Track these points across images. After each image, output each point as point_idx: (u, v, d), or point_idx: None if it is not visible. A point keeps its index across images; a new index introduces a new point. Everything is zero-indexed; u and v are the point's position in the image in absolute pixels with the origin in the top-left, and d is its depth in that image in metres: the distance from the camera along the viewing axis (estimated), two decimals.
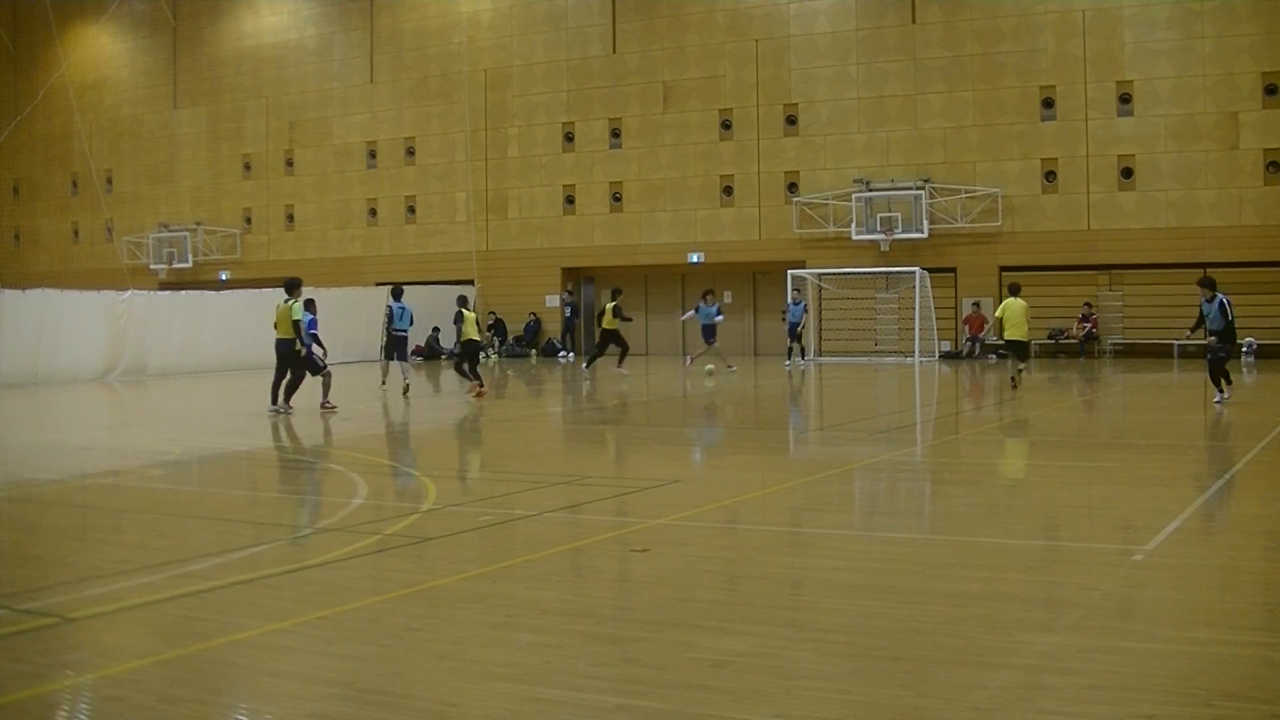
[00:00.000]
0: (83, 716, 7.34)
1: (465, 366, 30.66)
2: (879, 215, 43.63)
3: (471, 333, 30.97)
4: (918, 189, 43.34)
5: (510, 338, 49.61)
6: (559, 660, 8.08)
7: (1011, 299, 29.97)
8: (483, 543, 12.13)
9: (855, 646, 8.21)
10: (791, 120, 45.84)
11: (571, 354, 47.98)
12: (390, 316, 31.20)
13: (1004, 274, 43.07)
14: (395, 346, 31.27)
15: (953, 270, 43.96)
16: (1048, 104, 42.57)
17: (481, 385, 29.61)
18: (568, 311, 48.53)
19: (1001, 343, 30.96)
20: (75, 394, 34.51)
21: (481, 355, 36.66)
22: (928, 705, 6.97)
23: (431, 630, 8.82)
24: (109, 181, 60.85)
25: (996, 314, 30.59)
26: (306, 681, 7.73)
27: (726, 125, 46.80)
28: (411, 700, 7.24)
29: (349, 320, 46.51)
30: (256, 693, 7.64)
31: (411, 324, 31.17)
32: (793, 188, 45.69)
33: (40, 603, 9.70)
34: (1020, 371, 29.57)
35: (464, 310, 31.04)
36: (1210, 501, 13.66)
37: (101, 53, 61.07)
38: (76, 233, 62.64)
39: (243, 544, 12.22)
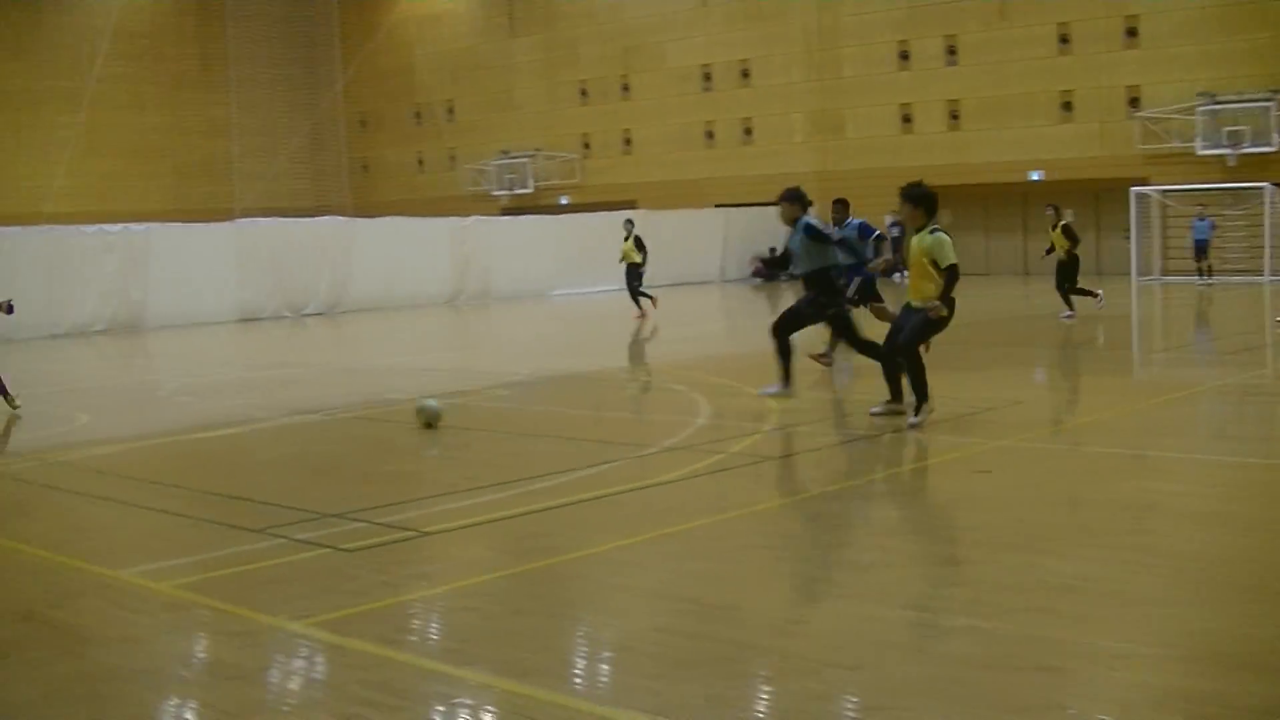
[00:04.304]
0: (438, 625, 7.61)
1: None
2: (1225, 129, 42.02)
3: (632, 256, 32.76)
4: (1266, 100, 41.57)
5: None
6: (901, 580, 8.07)
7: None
8: (823, 462, 12.16)
9: (1202, 574, 8.01)
10: (1132, 32, 44.35)
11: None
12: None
13: None
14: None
15: None
16: None
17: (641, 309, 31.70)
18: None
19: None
20: (424, 318, 35.58)
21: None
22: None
23: (773, 548, 8.89)
24: (450, 111, 62.19)
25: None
26: (651, 596, 7.87)
27: (1065, 39, 45.55)
28: (754, 616, 7.31)
29: (687, 242, 46.89)
30: (603, 606, 7.81)
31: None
32: (1134, 102, 44.27)
33: (397, 517, 10.07)
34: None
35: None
36: None
37: None
38: (421, 162, 64.21)
39: (588, 462, 12.45)
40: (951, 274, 13.35)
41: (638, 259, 32.54)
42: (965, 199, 46.79)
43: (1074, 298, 26.86)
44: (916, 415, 13.46)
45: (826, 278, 15.66)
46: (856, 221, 20.09)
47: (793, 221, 15.79)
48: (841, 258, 16.82)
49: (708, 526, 9.53)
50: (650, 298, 32.03)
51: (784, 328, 15.92)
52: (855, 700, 6.01)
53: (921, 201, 13.70)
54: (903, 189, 13.83)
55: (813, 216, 15.99)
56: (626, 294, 32.05)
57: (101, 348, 30.03)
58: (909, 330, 13.68)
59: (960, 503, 10.41)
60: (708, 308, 36.82)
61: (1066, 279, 26.95)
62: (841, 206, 20.61)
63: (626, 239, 32.91)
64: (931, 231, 13.56)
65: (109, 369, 25.91)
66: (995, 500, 10.25)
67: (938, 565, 8.51)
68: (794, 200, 15.97)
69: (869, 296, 19.94)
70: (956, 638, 6.78)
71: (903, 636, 6.90)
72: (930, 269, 13.46)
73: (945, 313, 13.41)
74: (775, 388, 15.84)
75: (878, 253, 20.17)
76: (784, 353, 15.90)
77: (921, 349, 13.93)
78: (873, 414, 14.44)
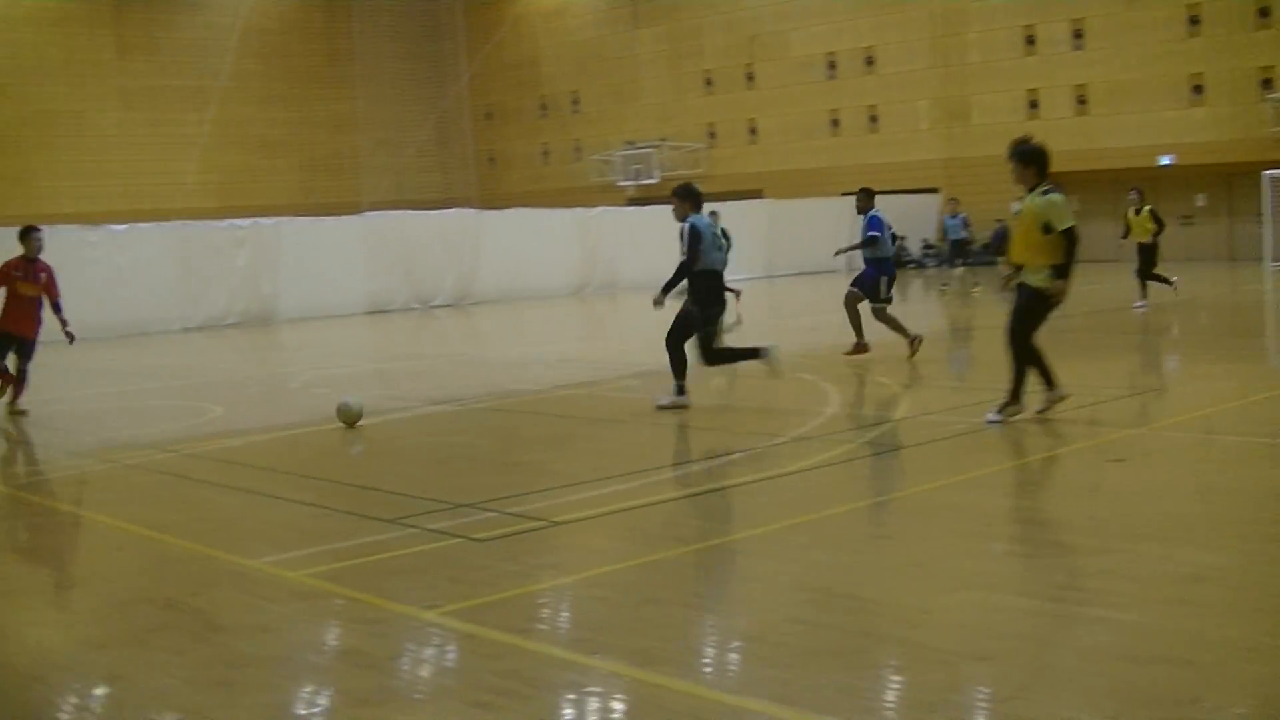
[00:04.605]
0: (568, 614, 7.65)
1: None
2: None
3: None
4: None
5: (977, 246, 48.82)
6: (1034, 571, 8.01)
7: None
8: (955, 452, 12.07)
9: None
10: (1264, 12, 43.53)
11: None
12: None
13: None
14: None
15: None
16: None
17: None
18: None
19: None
20: (551, 308, 35.74)
21: (950, 263, 36.31)
22: None
23: (904, 538, 8.85)
24: (575, 102, 62.45)
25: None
26: (782, 586, 7.86)
27: (1194, 21, 44.83)
28: (885, 606, 7.29)
29: (813, 231, 46.76)
30: (734, 596, 7.82)
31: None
32: (1267, 84, 43.47)
33: (527, 507, 10.13)
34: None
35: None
36: None
37: None
38: (546, 153, 64.53)
39: (717, 452, 12.46)
40: (1069, 240, 12.35)
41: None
42: (1093, 185, 46.24)
43: (1150, 284, 26.58)
44: (999, 412, 12.76)
45: (706, 282, 15.28)
46: (873, 214, 19.67)
47: (683, 219, 15.38)
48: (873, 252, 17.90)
49: (837, 516, 9.51)
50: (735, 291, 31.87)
51: (674, 338, 15.31)
52: (985, 692, 5.98)
53: (1032, 159, 12.72)
54: (1011, 146, 12.91)
55: (703, 217, 15.54)
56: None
57: (233, 340, 30.46)
58: (1016, 314, 12.84)
59: (1093, 492, 10.30)
60: (834, 297, 36.57)
61: (1149, 264, 26.68)
62: (865, 196, 20.18)
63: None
64: (1044, 193, 12.52)
65: (241, 361, 26.26)
66: (1128, 489, 10.13)
67: (1070, 555, 8.42)
68: (684, 197, 15.56)
69: (872, 293, 19.51)
70: (1089, 628, 6.71)
71: (1034, 627, 6.84)
72: (1041, 236, 12.44)
73: (1064, 293, 12.48)
74: (668, 399, 15.25)
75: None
76: (677, 363, 15.26)
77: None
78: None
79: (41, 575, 9.46)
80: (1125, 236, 27.67)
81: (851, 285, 19.77)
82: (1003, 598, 7.33)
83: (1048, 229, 12.33)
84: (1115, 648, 6.35)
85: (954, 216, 36.00)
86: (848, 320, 19.55)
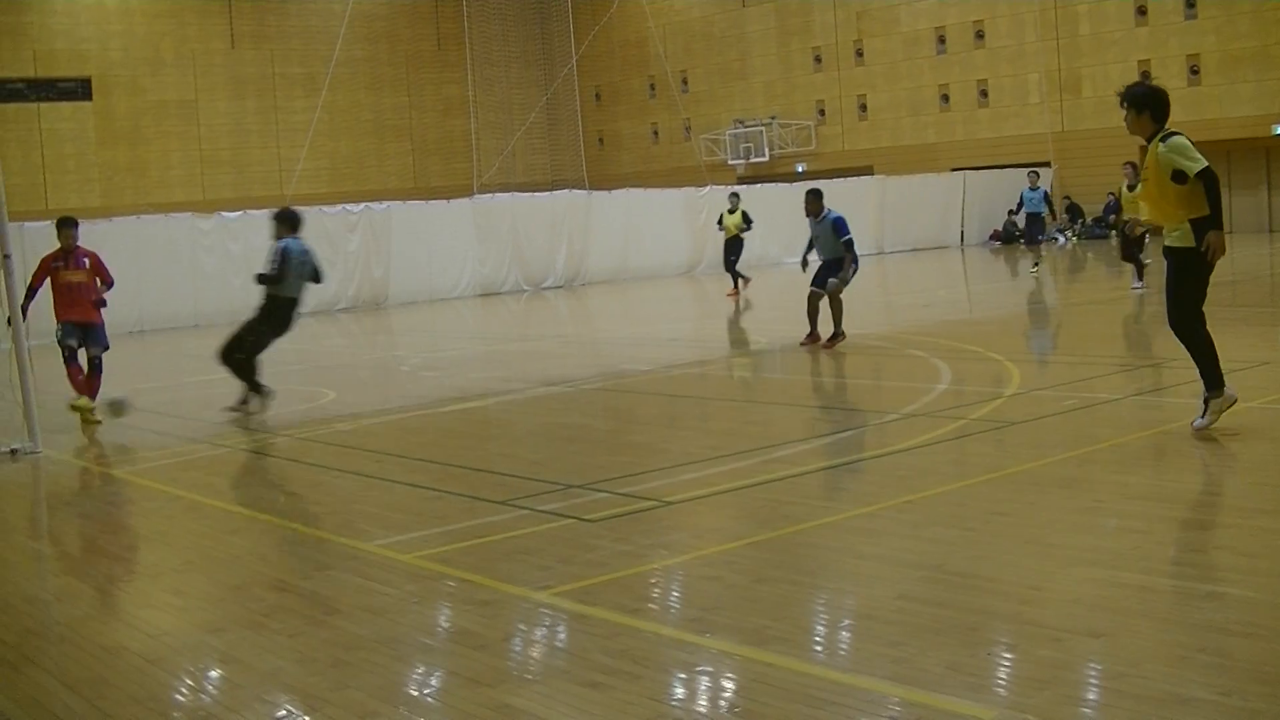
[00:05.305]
0: (679, 594, 7.65)
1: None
2: None
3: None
4: None
5: (1088, 219, 48.36)
6: (1146, 546, 7.92)
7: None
8: (1066, 427, 11.95)
9: None
10: None
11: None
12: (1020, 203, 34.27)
13: None
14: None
15: None
16: None
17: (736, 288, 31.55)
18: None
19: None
20: (662, 288, 35.75)
21: (1061, 238, 35.80)
22: None
23: (1016, 515, 8.77)
24: (684, 82, 62.37)
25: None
26: (893, 564, 7.83)
27: None
28: (996, 584, 7.25)
29: (925, 207, 46.52)
30: (845, 574, 7.80)
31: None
32: None
33: (639, 487, 10.17)
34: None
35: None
36: None
37: None
38: (656, 133, 64.54)
39: (828, 430, 12.43)
40: (1208, 182, 10.63)
41: (739, 233, 32.09)
42: (1209, 156, 45.33)
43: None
44: (1203, 417, 10.99)
45: (282, 306, 16.00)
46: (837, 216, 19.19)
47: (279, 240, 15.82)
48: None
49: (949, 493, 9.45)
50: (745, 278, 31.74)
51: (229, 351, 16.15)
52: (1097, 668, 5.93)
53: (1146, 102, 11.07)
54: (1122, 91, 11.36)
55: (298, 240, 15.94)
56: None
57: (345, 325, 30.73)
58: (1170, 290, 11.06)
59: (1206, 467, 10.18)
60: (947, 273, 36.35)
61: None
62: (815, 198, 19.52)
63: (732, 211, 32.48)
64: (1164, 139, 10.82)
65: (353, 346, 26.49)
66: (1242, 464, 10.02)
67: (1183, 530, 8.34)
68: (283, 221, 16.05)
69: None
70: (1203, 604, 6.64)
71: (1147, 604, 6.77)
72: (1175, 188, 10.74)
73: (1223, 247, 10.58)
74: (239, 401, 15.99)
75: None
76: (246, 373, 16.06)
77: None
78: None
79: (158, 559, 9.58)
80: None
81: (815, 283, 19.36)
82: (1115, 574, 7.25)
83: (1180, 177, 10.68)
84: (1229, 623, 6.29)
85: (1033, 190, 34.69)
86: (806, 312, 19.25)
